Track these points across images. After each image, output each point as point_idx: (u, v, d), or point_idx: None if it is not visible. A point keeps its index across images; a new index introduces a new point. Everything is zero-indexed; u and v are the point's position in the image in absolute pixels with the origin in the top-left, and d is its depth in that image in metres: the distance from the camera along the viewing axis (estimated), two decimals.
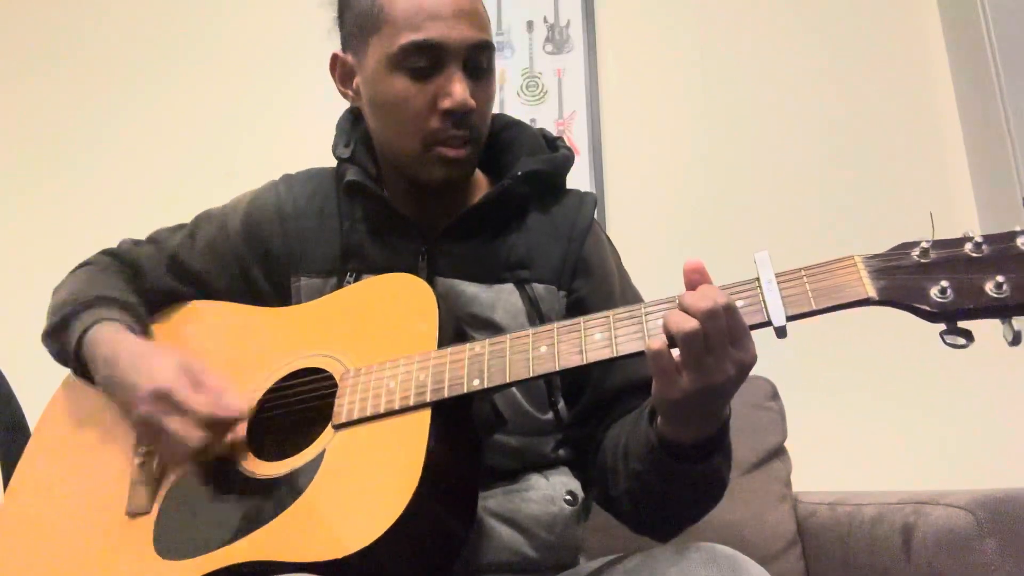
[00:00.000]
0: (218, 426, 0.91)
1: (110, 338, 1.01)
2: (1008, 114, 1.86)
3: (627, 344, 0.79)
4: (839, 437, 1.82)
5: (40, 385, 1.15)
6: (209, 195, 1.24)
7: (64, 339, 1.04)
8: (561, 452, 1.04)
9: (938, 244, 0.71)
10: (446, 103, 0.97)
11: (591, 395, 1.02)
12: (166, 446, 0.93)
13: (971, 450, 1.80)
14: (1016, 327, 0.67)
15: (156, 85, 2.26)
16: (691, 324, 0.73)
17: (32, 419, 1.14)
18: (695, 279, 0.77)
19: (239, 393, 0.94)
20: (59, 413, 1.08)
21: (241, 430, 0.94)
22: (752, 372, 1.54)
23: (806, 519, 1.45)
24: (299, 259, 1.08)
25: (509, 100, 2.12)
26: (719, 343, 0.73)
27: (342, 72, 1.08)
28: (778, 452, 1.53)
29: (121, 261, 1.15)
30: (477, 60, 0.99)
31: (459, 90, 0.97)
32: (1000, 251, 0.68)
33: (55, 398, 1.10)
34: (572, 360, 0.80)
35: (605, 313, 0.82)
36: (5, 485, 1.06)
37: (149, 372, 0.94)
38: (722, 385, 0.76)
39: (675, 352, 0.75)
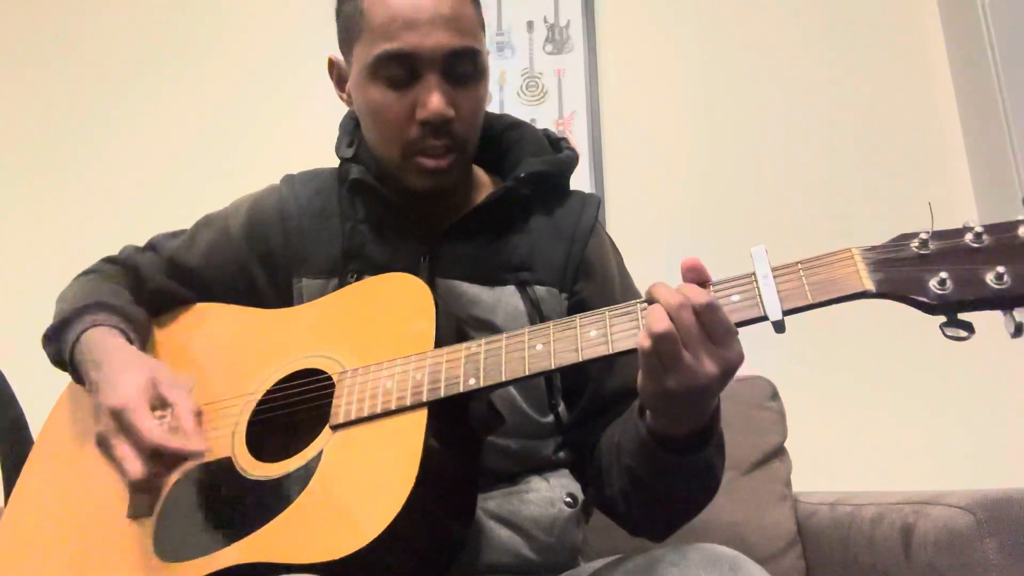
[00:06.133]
0: (164, 458, 0.85)
1: (101, 342, 0.99)
2: (1008, 114, 1.86)
3: (623, 341, 0.78)
4: (839, 437, 1.82)
5: (40, 387, 1.15)
6: (208, 196, 1.24)
7: (61, 343, 1.03)
8: (562, 454, 1.03)
9: (937, 235, 0.70)
10: (421, 113, 0.96)
11: (590, 397, 1.02)
12: (116, 467, 0.87)
13: (971, 450, 1.80)
14: (1018, 319, 0.66)
15: (155, 84, 2.26)
16: (663, 324, 0.72)
17: (33, 420, 1.14)
18: (691, 277, 0.77)
19: (201, 428, 0.87)
20: (63, 416, 1.08)
21: (240, 434, 0.93)
22: (752, 372, 1.53)
23: (806, 519, 1.45)
24: (301, 260, 1.07)
25: (509, 100, 2.13)
26: (692, 341, 0.73)
27: (337, 76, 1.08)
28: (778, 452, 1.52)
29: (123, 267, 1.15)
30: (458, 67, 0.97)
31: (435, 100, 0.95)
32: (1001, 241, 0.67)
33: (59, 402, 1.10)
34: (568, 358, 0.80)
35: (601, 310, 0.81)
36: (6, 487, 1.06)
37: (116, 386, 0.89)
38: (707, 384, 0.74)
39: None
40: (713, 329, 0.73)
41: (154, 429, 0.84)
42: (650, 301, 0.75)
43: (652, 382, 0.76)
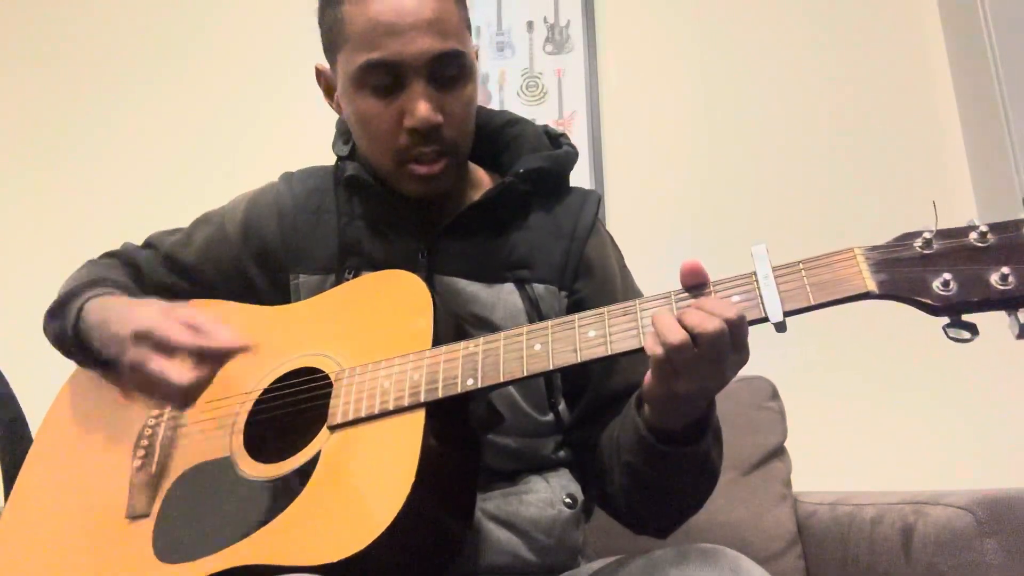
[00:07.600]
0: (207, 360, 0.88)
1: (103, 304, 1.01)
2: (1008, 114, 1.86)
3: (622, 342, 0.78)
4: (839, 437, 1.81)
5: (40, 385, 1.15)
6: (208, 195, 1.23)
7: (63, 318, 1.04)
8: (561, 453, 1.03)
9: (941, 234, 0.69)
10: (409, 121, 0.95)
11: (591, 397, 1.02)
12: (156, 391, 0.90)
13: (971, 450, 1.80)
14: (1022, 320, 0.65)
15: (155, 84, 2.26)
16: (678, 335, 0.72)
17: (32, 419, 1.14)
18: (691, 281, 0.77)
19: (229, 327, 0.90)
20: (61, 416, 1.08)
21: (238, 434, 0.93)
22: (752, 372, 1.53)
23: (806, 519, 1.45)
24: (298, 257, 1.07)
25: (509, 100, 2.12)
26: (722, 355, 0.73)
27: (325, 85, 1.07)
28: (778, 452, 1.52)
29: (122, 262, 1.16)
30: (443, 71, 0.96)
31: (421, 107, 0.94)
32: (1006, 241, 0.67)
33: (57, 402, 1.10)
34: (566, 358, 0.79)
35: (599, 310, 0.81)
36: (6, 486, 1.06)
37: (132, 318, 0.92)
38: (718, 386, 0.76)
39: None
40: (738, 341, 0.73)
41: (189, 335, 0.87)
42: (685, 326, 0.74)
43: (662, 385, 0.76)
